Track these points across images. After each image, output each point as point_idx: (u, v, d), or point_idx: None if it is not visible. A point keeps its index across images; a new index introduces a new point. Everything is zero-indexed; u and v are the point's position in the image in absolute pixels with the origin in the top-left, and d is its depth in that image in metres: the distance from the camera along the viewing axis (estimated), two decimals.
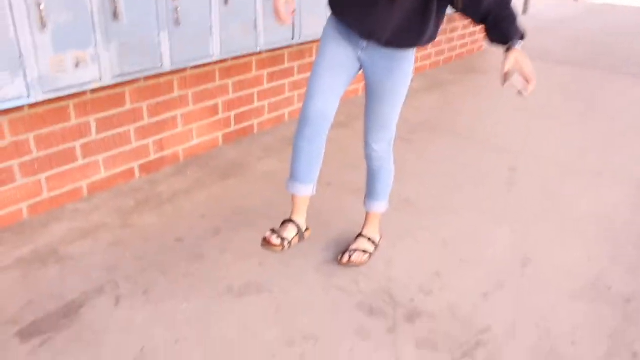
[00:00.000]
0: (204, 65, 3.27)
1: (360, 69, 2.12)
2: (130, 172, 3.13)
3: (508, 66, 1.83)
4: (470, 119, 4.40)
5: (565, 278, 2.43)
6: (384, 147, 2.31)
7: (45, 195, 2.78)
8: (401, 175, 3.31)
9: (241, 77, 3.59)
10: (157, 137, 3.20)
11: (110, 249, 2.52)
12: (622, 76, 5.92)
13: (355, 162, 3.47)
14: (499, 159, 3.62)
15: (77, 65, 2.49)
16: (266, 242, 2.22)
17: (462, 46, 6.42)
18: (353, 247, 2.47)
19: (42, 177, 2.74)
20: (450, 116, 4.48)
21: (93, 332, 2.01)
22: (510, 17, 1.88)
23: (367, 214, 2.51)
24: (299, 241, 2.33)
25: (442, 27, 2.06)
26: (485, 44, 6.83)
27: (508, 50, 1.86)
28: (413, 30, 1.93)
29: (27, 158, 2.65)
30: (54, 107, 2.67)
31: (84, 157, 2.88)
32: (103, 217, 2.77)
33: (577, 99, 5.05)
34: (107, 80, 2.62)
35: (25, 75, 2.33)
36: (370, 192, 2.46)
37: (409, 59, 2.07)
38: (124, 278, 2.31)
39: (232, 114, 3.64)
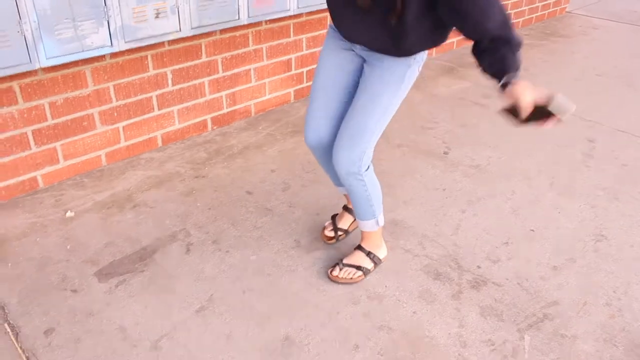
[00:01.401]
0: (279, 19, 3.26)
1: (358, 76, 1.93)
2: (203, 124, 3.19)
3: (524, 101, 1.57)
4: (549, 85, 4.16)
5: None
6: (349, 160, 1.87)
7: (123, 143, 2.88)
8: (472, 139, 3.25)
9: (315, 33, 3.56)
10: (230, 91, 3.24)
11: (182, 198, 2.60)
12: None
13: (425, 124, 3.42)
14: (577, 128, 3.46)
15: (157, 15, 2.53)
16: (322, 234, 2.34)
17: (544, 8, 6.10)
18: (346, 260, 2.14)
19: (120, 125, 2.83)
20: (528, 81, 4.30)
21: (166, 276, 2.10)
22: (513, 43, 1.61)
23: None
24: (355, 227, 2.34)
25: (448, 30, 1.73)
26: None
27: (505, 85, 1.59)
28: (387, 36, 1.67)
29: (107, 106, 2.75)
30: (133, 57, 2.73)
31: (160, 107, 2.95)
32: (176, 167, 2.86)
33: None
34: (186, 32, 2.66)
35: (109, 25, 2.39)
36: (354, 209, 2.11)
37: (401, 73, 1.80)
38: (195, 227, 2.39)
39: (305, 70, 3.62)
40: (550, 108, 1.53)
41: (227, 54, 3.13)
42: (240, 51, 3.18)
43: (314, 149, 2.05)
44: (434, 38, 1.73)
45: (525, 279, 2.17)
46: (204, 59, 3.02)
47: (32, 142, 2.55)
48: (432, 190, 2.73)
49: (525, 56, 4.85)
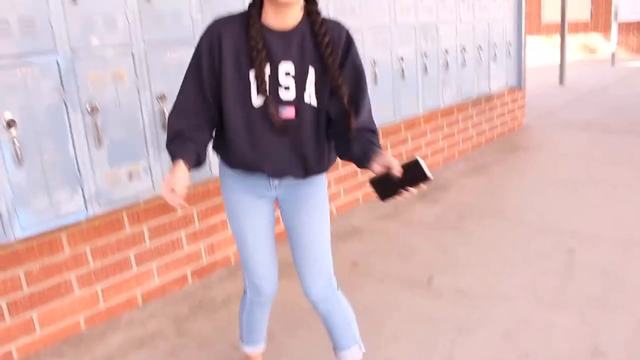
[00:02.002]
0: None
1: (274, 209, 1.95)
2: (184, 277, 3.16)
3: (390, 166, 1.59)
4: (518, 200, 4.33)
5: None
6: (326, 288, 1.95)
7: (102, 305, 2.82)
8: (452, 265, 3.25)
9: None
10: (208, 241, 3.25)
11: (167, 358, 2.50)
12: None
13: (405, 253, 3.43)
14: (554, 239, 3.50)
15: (130, 177, 2.59)
16: None
17: (503, 124, 6.43)
18: None
19: (99, 287, 2.79)
20: (497, 198, 4.41)
21: None
22: (375, 132, 1.79)
23: None
24: None
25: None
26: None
27: (370, 160, 1.64)
28: (307, 151, 1.77)
29: (84, 269, 2.72)
30: (109, 218, 2.76)
31: (138, 265, 2.93)
32: (158, 325, 2.78)
33: (625, 168, 4.93)
34: (160, 190, 2.70)
35: (83, 191, 2.43)
36: (333, 341, 2.08)
37: (324, 180, 1.92)
38: None
39: None
40: (420, 162, 1.55)
41: (202, 206, 3.17)
42: (215, 201, 3.23)
43: (268, 299, 2.04)
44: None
45: None
46: (180, 212, 3.06)
47: (6, 314, 2.48)
48: (419, 322, 2.68)
49: (492, 172, 5.05)
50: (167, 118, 1.82)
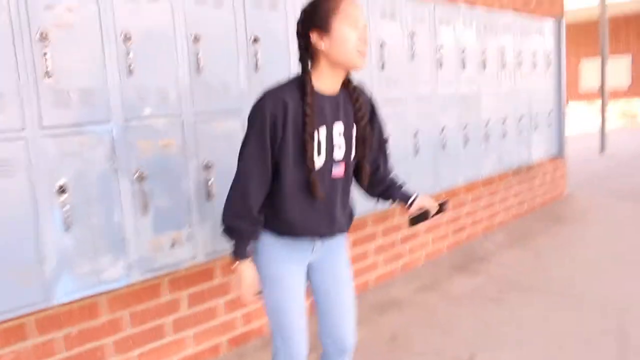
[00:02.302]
0: None
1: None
2: (218, 346, 3.11)
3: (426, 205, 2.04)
4: (563, 273, 4.18)
5: None
6: (355, 336, 2.10)
7: None
8: (495, 342, 3.12)
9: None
10: (245, 310, 3.21)
11: None
12: None
13: (446, 327, 3.33)
14: (605, 317, 3.35)
15: (173, 245, 2.60)
16: None
17: (545, 193, 6.32)
18: None
19: (135, 354, 2.76)
20: (542, 271, 4.27)
21: None
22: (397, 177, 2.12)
23: None
24: None
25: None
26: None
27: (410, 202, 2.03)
28: (346, 205, 1.97)
29: (121, 335, 2.70)
30: (149, 283, 2.76)
31: (175, 332, 2.90)
32: None
33: None
34: (201, 258, 2.71)
35: (126, 257, 2.44)
36: None
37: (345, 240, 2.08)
38: None
39: None
40: (442, 203, 2.07)
41: None
42: None
43: None
44: None
45: None
46: (218, 280, 3.05)
47: None
48: None
49: (534, 243, 4.92)
50: (232, 194, 1.81)
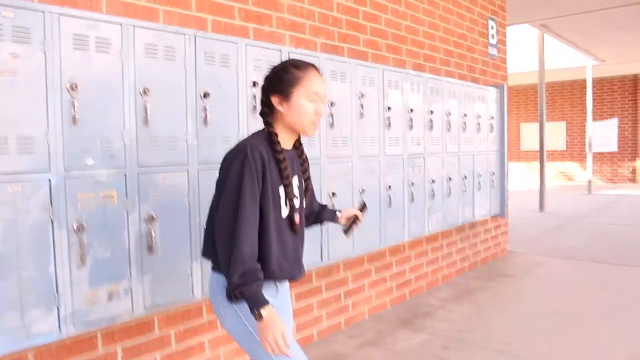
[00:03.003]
0: None
1: None
2: None
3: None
4: (504, 329, 4.25)
5: None
6: None
7: None
8: None
9: None
10: None
11: None
12: None
13: None
14: None
15: (110, 298, 2.52)
16: None
17: (486, 250, 6.47)
18: None
19: None
20: (482, 327, 4.33)
21: None
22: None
23: None
24: None
25: None
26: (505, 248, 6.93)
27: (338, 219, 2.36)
28: (302, 251, 2.12)
29: None
30: (82, 337, 2.65)
31: None
32: None
33: (610, 298, 4.90)
34: (139, 312, 2.63)
35: (58, 311, 2.35)
36: None
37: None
38: None
39: None
40: (361, 206, 2.43)
41: (181, 327, 3.08)
42: (193, 323, 3.14)
43: None
44: None
45: None
46: (156, 333, 2.96)
47: None
48: None
49: (476, 299, 5.00)
50: (238, 252, 1.79)
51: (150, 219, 2.62)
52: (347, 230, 2.39)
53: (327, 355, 3.76)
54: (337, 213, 2.37)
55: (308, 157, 2.19)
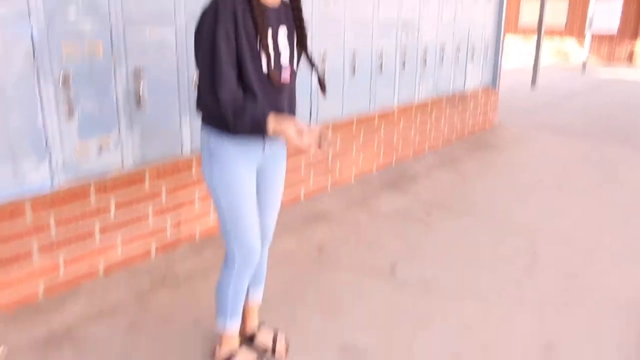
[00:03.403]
0: None
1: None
2: (147, 251, 3.14)
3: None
4: (486, 198, 4.41)
5: None
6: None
7: (62, 275, 2.79)
8: (418, 258, 3.30)
9: None
10: (175, 216, 3.24)
11: (127, 331, 2.50)
12: (632, 149, 5.95)
13: (371, 243, 3.48)
14: (519, 238, 3.59)
15: (100, 151, 2.56)
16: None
17: (475, 122, 6.52)
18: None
19: (60, 256, 2.76)
20: (465, 195, 4.49)
21: None
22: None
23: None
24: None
25: None
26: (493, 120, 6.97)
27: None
28: (294, 106, 2.08)
29: (46, 238, 2.68)
30: (75, 189, 2.72)
31: (102, 236, 2.90)
32: (119, 298, 2.77)
33: (592, 173, 5.06)
34: (129, 165, 2.69)
35: (50, 162, 2.39)
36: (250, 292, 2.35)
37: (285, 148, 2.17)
38: None
39: None
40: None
41: (171, 180, 3.16)
42: (183, 177, 3.22)
43: (256, 257, 2.09)
44: None
45: None
46: (147, 186, 3.04)
47: None
48: (382, 311, 2.72)
49: (462, 168, 5.13)
50: (218, 98, 1.78)
51: (138, 74, 2.59)
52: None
53: (313, 215, 3.91)
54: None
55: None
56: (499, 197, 4.40)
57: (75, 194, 2.74)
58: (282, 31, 1.95)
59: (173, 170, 3.15)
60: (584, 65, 13.71)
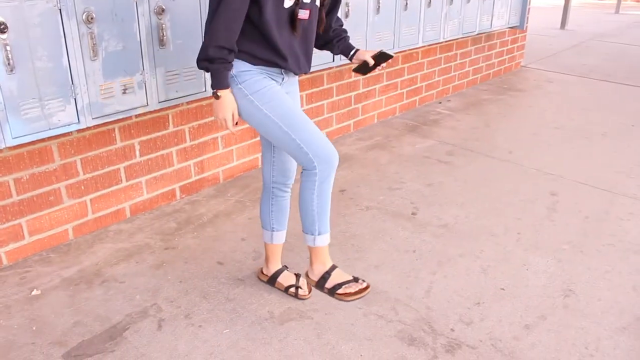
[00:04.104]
0: None
1: None
2: (172, 193, 3.19)
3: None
4: (509, 140, 4.35)
5: (609, 310, 2.38)
6: None
7: (90, 216, 2.85)
8: (439, 200, 3.31)
9: None
10: (198, 159, 3.26)
11: (152, 271, 2.57)
12: None
13: (392, 184, 3.48)
14: (539, 182, 3.57)
15: (124, 91, 2.56)
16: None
17: (500, 63, 6.36)
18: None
19: (87, 198, 2.82)
20: (488, 137, 4.44)
21: (137, 355, 2.05)
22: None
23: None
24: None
25: None
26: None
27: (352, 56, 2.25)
28: (311, 49, 2.11)
29: (73, 180, 2.73)
30: (101, 130, 2.75)
31: (128, 178, 2.95)
32: (145, 238, 2.83)
33: (617, 117, 4.95)
34: (153, 106, 2.69)
35: (76, 102, 2.40)
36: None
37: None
38: (167, 301, 2.35)
39: None
40: (383, 52, 2.21)
41: (195, 123, 3.16)
42: (206, 120, 3.22)
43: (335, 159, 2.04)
44: None
45: (498, 339, 2.18)
46: (171, 129, 3.05)
47: None
48: (402, 252, 2.76)
49: (485, 111, 5.05)
50: (215, 26, 1.82)
51: (160, 11, 2.55)
52: (359, 70, 2.27)
53: None
54: (351, 52, 2.25)
55: None
56: (521, 140, 4.34)
57: (100, 137, 2.76)
58: None
59: (196, 112, 3.15)
60: (619, 3, 13.17)
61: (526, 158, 3.97)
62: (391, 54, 2.20)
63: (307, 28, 2.01)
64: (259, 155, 3.64)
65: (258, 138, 3.58)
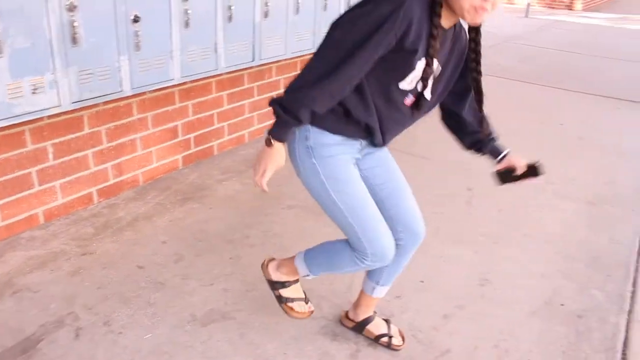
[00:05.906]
0: (163, 88, 3.25)
1: None
2: (89, 197, 3.08)
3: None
4: (426, 137, 4.48)
5: (521, 297, 2.52)
6: None
7: (0, 223, 2.71)
8: None
9: (201, 99, 3.59)
10: (116, 161, 3.16)
11: (68, 278, 2.47)
12: (573, 92, 6.16)
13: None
14: (456, 178, 3.71)
15: (34, 91, 2.45)
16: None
17: None
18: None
19: None
20: (405, 135, 4.53)
21: None
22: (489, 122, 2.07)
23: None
24: None
25: None
26: None
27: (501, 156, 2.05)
28: (399, 131, 1.96)
29: None
30: (9, 132, 2.61)
31: (41, 183, 2.82)
32: (61, 244, 2.72)
33: (530, 116, 5.22)
34: (66, 106, 2.59)
35: None
36: (383, 277, 2.13)
37: None
38: (84, 309, 2.27)
39: (192, 136, 3.62)
40: (537, 166, 1.94)
41: (111, 125, 3.07)
42: (124, 121, 3.13)
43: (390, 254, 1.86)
44: None
45: (419, 330, 2.26)
46: (86, 130, 2.95)
47: None
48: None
49: None
50: (319, 81, 1.53)
51: (72, 7, 2.46)
52: (501, 177, 2.02)
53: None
54: (502, 154, 2.03)
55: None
56: (438, 137, 4.46)
57: (9, 139, 2.63)
58: (435, 62, 1.67)
59: (113, 113, 3.06)
60: (528, 8, 13.86)
61: (442, 154, 4.08)
62: (541, 172, 1.94)
63: (414, 118, 1.88)
64: (179, 156, 3.58)
65: (177, 139, 3.52)
